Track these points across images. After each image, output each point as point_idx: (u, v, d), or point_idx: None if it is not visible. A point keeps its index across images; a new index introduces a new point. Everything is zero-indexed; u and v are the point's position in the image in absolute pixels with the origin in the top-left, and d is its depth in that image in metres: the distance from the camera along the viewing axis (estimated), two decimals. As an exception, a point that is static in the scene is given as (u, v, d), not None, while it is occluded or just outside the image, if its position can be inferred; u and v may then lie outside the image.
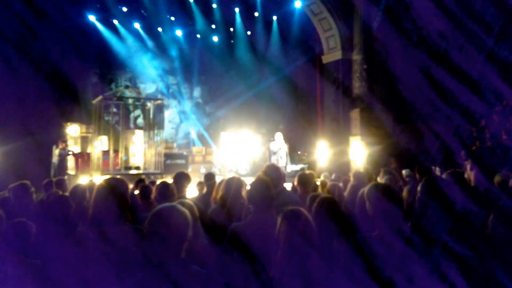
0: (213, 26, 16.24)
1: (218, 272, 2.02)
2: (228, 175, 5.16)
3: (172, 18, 15.37)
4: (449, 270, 1.68)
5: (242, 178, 3.26)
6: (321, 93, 14.10)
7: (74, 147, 11.75)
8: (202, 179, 5.32)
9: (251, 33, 16.70)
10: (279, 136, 10.23)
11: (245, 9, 15.26)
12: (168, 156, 11.74)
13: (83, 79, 14.48)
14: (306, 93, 15.68)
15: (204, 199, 3.99)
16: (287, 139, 10.62)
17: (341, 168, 10.09)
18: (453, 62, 10.39)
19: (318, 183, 4.95)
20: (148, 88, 16.87)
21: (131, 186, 4.76)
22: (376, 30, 12.25)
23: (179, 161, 12.01)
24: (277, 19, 15.68)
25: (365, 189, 2.17)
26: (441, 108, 10.75)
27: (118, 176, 2.55)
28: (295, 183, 4.22)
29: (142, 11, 14.86)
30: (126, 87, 11.62)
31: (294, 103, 16.68)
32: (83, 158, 11.07)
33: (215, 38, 16.91)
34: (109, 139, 11.55)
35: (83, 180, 8.59)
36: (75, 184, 4.71)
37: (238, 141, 13.84)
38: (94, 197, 2.25)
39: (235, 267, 2.14)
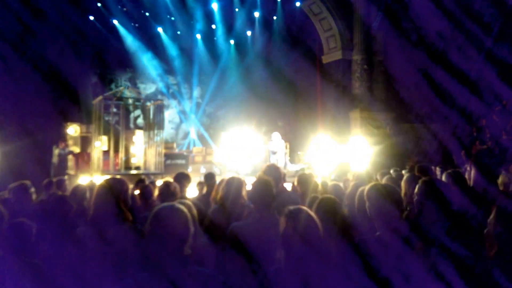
0: (213, 26, 16.25)
1: (217, 272, 2.03)
2: (228, 175, 5.19)
3: (172, 18, 15.38)
4: (446, 269, 1.69)
5: (242, 178, 3.27)
6: (321, 93, 14.12)
7: (74, 147, 11.75)
8: (202, 179, 5.33)
9: (251, 33, 16.71)
10: (276, 135, 10.23)
11: (246, 9, 15.27)
12: (168, 156, 11.74)
13: (83, 79, 14.48)
14: (306, 93, 15.70)
15: (204, 199, 3.99)
16: (287, 139, 10.63)
17: (341, 168, 10.09)
18: (452, 62, 10.40)
19: (318, 183, 4.95)
20: (148, 88, 16.88)
21: (131, 186, 4.76)
22: (376, 30, 12.27)
23: (179, 161, 12.01)
24: (277, 19, 15.68)
25: (365, 189, 2.18)
26: (439, 108, 10.77)
27: (118, 176, 2.56)
28: (295, 183, 4.22)
29: (142, 11, 14.87)
30: (126, 87, 11.63)
31: (294, 103, 16.69)
32: (83, 158, 11.07)
33: (215, 38, 16.91)
34: (109, 139, 11.55)
35: (83, 180, 8.59)
36: (75, 184, 4.72)
37: (238, 141, 13.83)
38: (94, 197, 2.26)
39: (234, 266, 2.15)
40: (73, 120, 12.58)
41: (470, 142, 10.15)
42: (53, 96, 12.39)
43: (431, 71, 10.98)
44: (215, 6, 15.02)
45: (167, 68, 17.13)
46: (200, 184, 5.58)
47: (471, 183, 3.93)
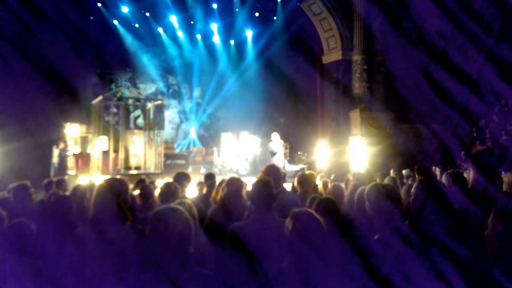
0: (213, 26, 16.25)
1: (217, 272, 2.03)
2: (228, 175, 5.18)
3: (173, 18, 15.38)
4: (446, 268, 1.69)
5: (242, 178, 3.27)
6: (321, 93, 14.11)
7: (74, 147, 11.75)
8: (202, 179, 5.32)
9: (251, 33, 16.72)
10: (275, 136, 10.23)
11: (246, 10, 15.27)
12: (168, 156, 11.75)
13: (83, 79, 14.49)
14: (306, 93, 15.70)
15: (204, 199, 3.99)
16: (287, 140, 10.63)
17: (341, 169, 10.11)
18: (452, 61, 10.40)
19: (318, 183, 4.95)
20: (148, 88, 16.88)
21: (131, 186, 4.76)
22: (376, 30, 12.27)
23: (179, 161, 12.03)
24: (277, 19, 15.68)
25: (365, 189, 2.18)
26: (440, 107, 10.77)
27: (118, 176, 2.56)
28: (295, 183, 4.22)
29: (143, 11, 14.87)
30: (126, 87, 11.63)
31: (294, 103, 16.69)
32: (83, 158, 11.08)
33: (215, 38, 16.91)
34: (109, 139, 11.55)
35: (83, 180, 8.59)
36: (75, 184, 4.72)
37: (238, 141, 13.84)
38: (94, 197, 2.26)
39: (234, 267, 2.15)
40: (73, 120, 12.59)
41: (470, 142, 10.15)
42: (53, 96, 12.40)
43: (431, 71, 10.98)
44: (215, 6, 15.02)
45: (167, 68, 17.14)
46: (200, 184, 5.58)
47: (470, 183, 3.92)
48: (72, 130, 12.12)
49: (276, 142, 10.13)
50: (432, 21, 11.09)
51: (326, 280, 1.68)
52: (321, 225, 1.76)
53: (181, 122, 17.68)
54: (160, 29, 15.96)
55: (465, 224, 2.08)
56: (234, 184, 3.07)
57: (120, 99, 10.93)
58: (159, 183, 4.53)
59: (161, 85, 17.13)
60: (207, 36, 16.77)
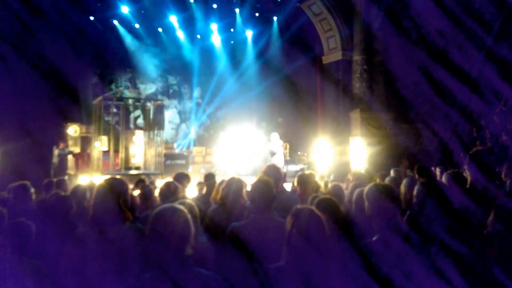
0: (213, 26, 16.25)
1: (217, 272, 2.03)
2: (228, 175, 5.17)
3: (173, 18, 15.38)
4: (446, 267, 1.69)
5: (242, 178, 3.27)
6: (321, 94, 14.12)
7: (74, 147, 11.76)
8: (202, 179, 5.33)
9: (251, 33, 16.71)
10: (275, 136, 10.24)
11: (246, 10, 15.27)
12: (168, 156, 11.76)
13: (83, 80, 14.48)
14: (306, 93, 15.69)
15: (204, 199, 4.00)
16: (287, 140, 10.63)
17: (341, 169, 10.11)
18: (452, 60, 10.39)
19: (318, 183, 4.94)
20: (148, 88, 16.88)
21: (131, 186, 4.77)
22: (376, 30, 12.27)
23: (179, 162, 12.05)
24: (278, 19, 15.68)
25: (365, 189, 2.18)
26: (440, 107, 10.76)
27: (118, 176, 2.56)
28: (295, 183, 4.22)
29: (143, 11, 14.86)
30: (126, 87, 11.64)
31: (294, 104, 16.69)
32: (83, 158, 11.09)
33: (215, 38, 16.91)
34: (109, 139, 11.56)
35: (83, 180, 8.60)
36: (75, 184, 4.72)
37: (238, 141, 13.84)
38: (94, 197, 2.26)
39: (234, 266, 2.15)
40: (73, 120, 12.59)
41: (470, 142, 10.13)
42: (53, 96, 12.41)
43: (431, 70, 10.97)
44: (215, 6, 15.02)
45: (167, 68, 17.14)
46: (200, 184, 5.59)
47: (469, 182, 3.92)
48: (72, 130, 12.12)
49: (276, 142, 10.13)
50: (432, 20, 11.08)
51: (326, 278, 1.68)
52: (322, 223, 1.76)
53: (181, 122, 17.68)
54: (160, 29, 15.95)
55: (465, 223, 2.08)
56: (234, 184, 3.08)
57: (120, 99, 10.94)
58: (159, 183, 4.53)
59: (161, 85, 17.14)
60: (207, 36, 16.76)
